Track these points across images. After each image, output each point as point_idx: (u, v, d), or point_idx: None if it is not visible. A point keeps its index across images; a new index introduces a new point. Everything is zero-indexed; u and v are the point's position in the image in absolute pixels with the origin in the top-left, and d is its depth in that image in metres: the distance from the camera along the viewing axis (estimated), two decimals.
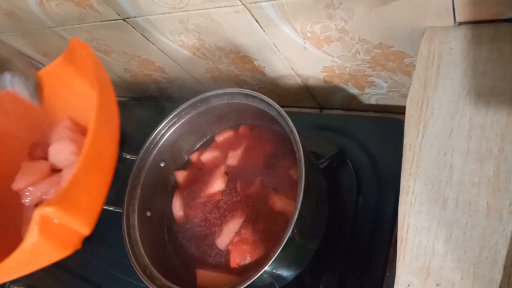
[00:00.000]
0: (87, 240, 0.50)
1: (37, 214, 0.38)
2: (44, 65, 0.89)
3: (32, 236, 0.38)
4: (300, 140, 0.42)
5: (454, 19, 0.41)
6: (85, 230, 0.42)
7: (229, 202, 0.51)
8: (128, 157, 0.58)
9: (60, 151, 0.61)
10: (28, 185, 0.59)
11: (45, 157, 0.63)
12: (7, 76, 0.55)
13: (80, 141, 0.61)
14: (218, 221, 0.51)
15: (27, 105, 0.59)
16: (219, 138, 0.57)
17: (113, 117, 0.52)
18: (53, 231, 0.40)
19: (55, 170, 0.62)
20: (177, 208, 0.54)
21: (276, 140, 0.53)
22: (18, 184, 0.59)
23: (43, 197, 0.59)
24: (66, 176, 0.58)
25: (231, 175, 0.53)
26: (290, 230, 0.39)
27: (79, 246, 0.45)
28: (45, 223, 0.39)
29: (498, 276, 0.31)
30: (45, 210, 0.38)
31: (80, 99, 0.61)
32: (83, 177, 0.43)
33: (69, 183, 0.41)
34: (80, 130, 0.64)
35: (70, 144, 0.60)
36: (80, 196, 0.43)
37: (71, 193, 0.41)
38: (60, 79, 0.61)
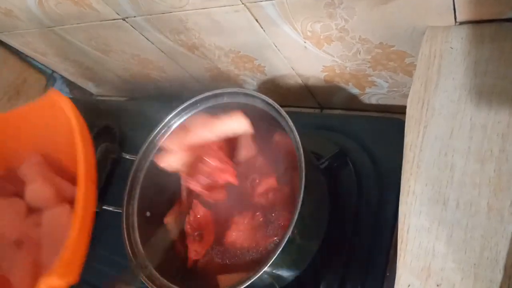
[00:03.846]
0: None
1: (44, 286, 0.43)
2: (44, 65, 0.89)
3: None
4: (300, 140, 0.42)
5: (455, 18, 0.41)
6: (76, 281, 0.48)
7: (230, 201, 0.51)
8: (127, 157, 0.58)
9: (39, 192, 0.62)
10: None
11: (17, 193, 0.63)
12: None
13: (53, 179, 0.62)
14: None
15: None
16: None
17: (93, 172, 0.54)
18: None
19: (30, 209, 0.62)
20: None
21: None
22: None
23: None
24: (47, 220, 0.59)
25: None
26: (290, 231, 0.39)
27: None
28: None
29: (498, 276, 0.31)
30: (51, 281, 0.43)
31: (52, 137, 0.62)
32: (76, 242, 0.47)
33: (66, 251, 0.45)
34: (51, 166, 0.65)
35: (49, 186, 0.61)
36: (74, 258, 0.48)
37: (68, 260, 0.46)
38: (31, 120, 0.63)
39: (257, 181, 0.51)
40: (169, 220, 0.55)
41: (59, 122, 0.56)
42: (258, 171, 0.52)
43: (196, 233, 0.51)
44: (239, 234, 0.49)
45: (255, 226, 0.48)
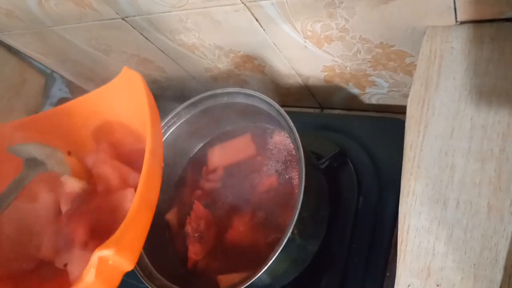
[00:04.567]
0: None
1: (95, 257, 0.38)
2: (44, 65, 0.89)
3: (89, 279, 0.39)
4: (301, 140, 0.42)
5: (456, 18, 0.41)
6: (130, 267, 0.44)
7: (229, 201, 0.51)
8: None
9: (103, 179, 0.60)
10: None
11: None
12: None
13: (119, 167, 0.58)
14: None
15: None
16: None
17: (160, 149, 0.52)
18: (106, 272, 0.40)
19: None
20: None
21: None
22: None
23: None
24: (111, 203, 0.57)
25: (232, 174, 0.53)
26: (290, 231, 0.39)
27: (119, 282, 0.46)
28: (101, 265, 0.39)
29: (498, 276, 0.31)
30: (104, 253, 0.39)
31: (124, 119, 0.58)
32: (136, 218, 0.43)
33: (124, 224, 0.41)
34: (118, 153, 0.60)
35: (113, 174, 0.57)
36: (132, 236, 0.44)
37: (126, 234, 0.42)
38: (103, 103, 0.59)
39: (257, 181, 0.51)
40: (171, 217, 0.55)
41: (133, 101, 0.52)
42: (258, 171, 0.52)
43: (196, 234, 0.51)
44: (239, 234, 0.49)
45: (255, 226, 0.48)
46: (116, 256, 0.40)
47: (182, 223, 0.54)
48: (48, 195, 0.56)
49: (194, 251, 0.50)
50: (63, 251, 0.52)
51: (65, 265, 0.52)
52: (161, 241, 0.54)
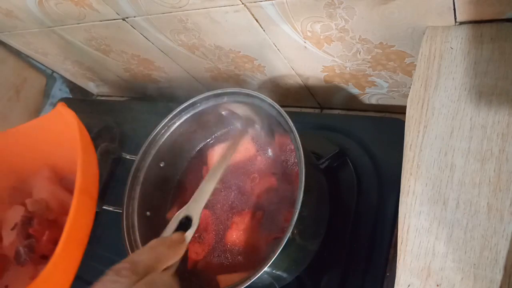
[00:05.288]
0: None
1: None
2: (44, 65, 0.89)
3: None
4: (300, 140, 0.42)
5: (455, 18, 0.41)
6: None
7: (229, 202, 0.51)
8: (127, 157, 0.58)
9: (42, 205, 0.64)
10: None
11: (23, 203, 0.65)
12: None
13: (60, 193, 0.64)
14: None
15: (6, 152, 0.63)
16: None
17: (93, 190, 0.55)
18: None
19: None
20: None
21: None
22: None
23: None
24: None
25: (232, 174, 0.53)
26: (290, 231, 0.39)
27: None
28: None
29: (498, 276, 0.31)
30: None
31: (61, 150, 0.63)
32: (61, 260, 0.47)
33: (47, 269, 0.45)
34: (59, 179, 0.67)
35: (52, 199, 0.63)
36: (61, 273, 0.48)
37: (52, 275, 0.45)
38: (40, 133, 0.65)
39: (257, 180, 0.51)
40: (171, 216, 0.55)
41: (67, 135, 0.57)
42: (258, 171, 0.52)
43: (196, 234, 0.51)
44: (239, 234, 0.49)
45: (255, 226, 0.48)
46: None
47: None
48: None
49: (194, 251, 0.50)
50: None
51: (6, 286, 0.55)
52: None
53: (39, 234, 0.60)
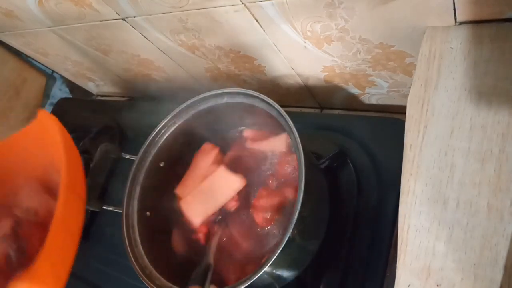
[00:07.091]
0: (86, 241, 0.50)
1: None
2: (44, 65, 0.89)
3: None
4: (300, 140, 0.42)
5: (455, 18, 0.41)
6: None
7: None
8: (127, 157, 0.58)
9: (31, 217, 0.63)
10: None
11: (11, 215, 0.64)
12: None
13: (49, 202, 0.63)
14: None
15: None
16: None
17: (80, 189, 0.55)
18: None
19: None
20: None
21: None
22: None
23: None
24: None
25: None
26: (290, 231, 0.39)
27: None
28: None
29: (499, 276, 0.31)
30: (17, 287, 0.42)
31: (46, 159, 0.62)
32: (52, 251, 0.46)
33: (38, 259, 0.44)
34: (48, 188, 0.66)
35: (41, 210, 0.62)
36: (50, 268, 0.47)
37: (42, 268, 0.44)
38: (25, 145, 0.64)
39: (257, 181, 0.51)
40: (180, 191, 0.55)
41: (50, 141, 0.56)
42: (258, 171, 0.52)
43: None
44: (239, 234, 0.49)
45: (255, 226, 0.48)
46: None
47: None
48: None
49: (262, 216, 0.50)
50: None
51: None
52: (161, 241, 0.54)
53: (29, 236, 0.60)
